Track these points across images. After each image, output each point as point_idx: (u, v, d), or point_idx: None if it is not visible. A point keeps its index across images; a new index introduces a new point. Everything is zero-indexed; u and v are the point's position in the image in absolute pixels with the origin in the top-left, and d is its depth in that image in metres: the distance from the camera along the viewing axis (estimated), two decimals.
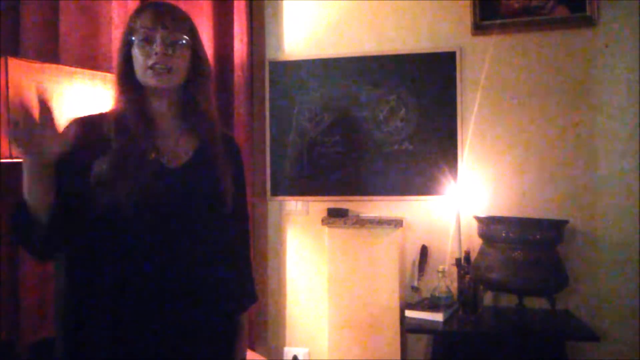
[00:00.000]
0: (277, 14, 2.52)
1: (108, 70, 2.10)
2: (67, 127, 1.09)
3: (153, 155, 1.13)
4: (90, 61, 2.16)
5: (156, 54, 1.11)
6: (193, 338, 1.15)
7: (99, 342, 1.11)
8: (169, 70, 1.12)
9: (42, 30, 2.14)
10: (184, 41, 1.15)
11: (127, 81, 1.15)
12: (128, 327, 1.11)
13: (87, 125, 1.13)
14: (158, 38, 1.12)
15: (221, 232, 1.22)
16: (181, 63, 1.15)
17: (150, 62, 1.11)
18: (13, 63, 1.55)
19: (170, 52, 1.12)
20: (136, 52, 1.13)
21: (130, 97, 1.15)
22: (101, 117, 1.17)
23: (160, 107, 1.18)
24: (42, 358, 1.97)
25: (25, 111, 0.92)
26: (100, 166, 1.08)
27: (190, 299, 1.14)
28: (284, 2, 2.52)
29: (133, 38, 1.14)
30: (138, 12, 1.16)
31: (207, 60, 1.24)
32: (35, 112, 0.93)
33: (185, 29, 1.16)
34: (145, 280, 1.11)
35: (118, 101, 1.16)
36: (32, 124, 0.92)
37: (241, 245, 1.36)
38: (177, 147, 1.19)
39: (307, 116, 2.47)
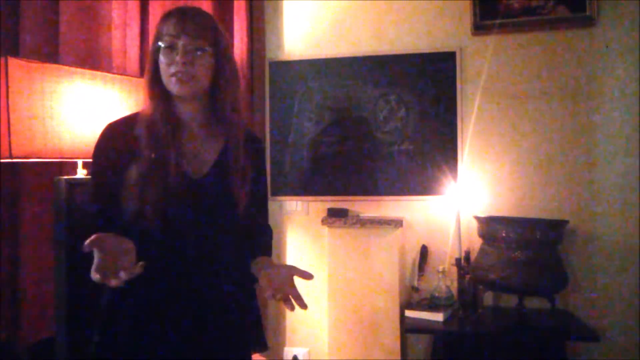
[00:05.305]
0: (277, 14, 2.52)
1: (108, 70, 2.11)
2: (103, 133, 1.19)
3: (177, 167, 1.15)
4: (90, 61, 2.17)
5: (177, 62, 1.11)
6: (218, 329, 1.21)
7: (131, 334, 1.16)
8: (191, 79, 1.13)
9: (42, 30, 2.15)
10: (206, 49, 1.14)
11: (156, 86, 1.17)
12: (156, 326, 1.16)
13: (120, 129, 1.18)
14: (180, 46, 1.12)
15: (237, 230, 1.25)
16: (203, 71, 1.15)
17: (172, 70, 1.12)
18: (13, 63, 1.55)
19: (192, 60, 1.12)
20: (161, 58, 1.14)
21: (158, 103, 1.17)
22: (132, 119, 1.20)
23: (186, 112, 1.21)
24: (42, 358, 1.97)
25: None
26: (132, 176, 1.13)
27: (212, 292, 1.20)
28: (284, 2, 2.52)
29: (160, 43, 1.14)
30: (165, 17, 1.16)
31: (232, 65, 1.22)
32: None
33: (208, 37, 1.14)
34: (167, 285, 1.16)
35: (147, 106, 1.18)
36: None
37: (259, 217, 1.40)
38: (200, 153, 1.20)
39: (307, 116, 2.47)
